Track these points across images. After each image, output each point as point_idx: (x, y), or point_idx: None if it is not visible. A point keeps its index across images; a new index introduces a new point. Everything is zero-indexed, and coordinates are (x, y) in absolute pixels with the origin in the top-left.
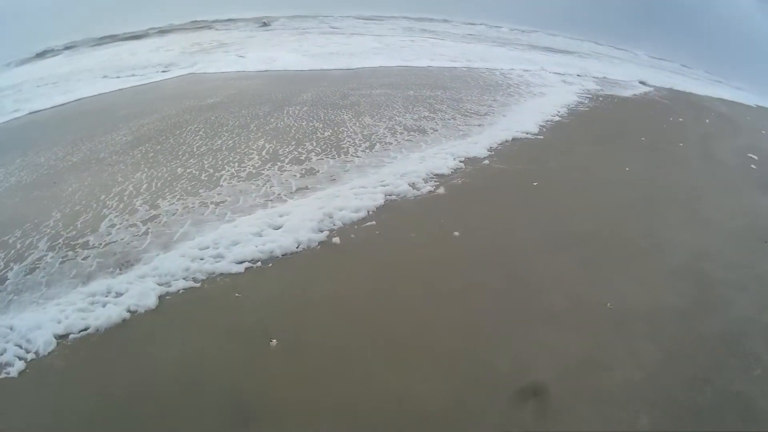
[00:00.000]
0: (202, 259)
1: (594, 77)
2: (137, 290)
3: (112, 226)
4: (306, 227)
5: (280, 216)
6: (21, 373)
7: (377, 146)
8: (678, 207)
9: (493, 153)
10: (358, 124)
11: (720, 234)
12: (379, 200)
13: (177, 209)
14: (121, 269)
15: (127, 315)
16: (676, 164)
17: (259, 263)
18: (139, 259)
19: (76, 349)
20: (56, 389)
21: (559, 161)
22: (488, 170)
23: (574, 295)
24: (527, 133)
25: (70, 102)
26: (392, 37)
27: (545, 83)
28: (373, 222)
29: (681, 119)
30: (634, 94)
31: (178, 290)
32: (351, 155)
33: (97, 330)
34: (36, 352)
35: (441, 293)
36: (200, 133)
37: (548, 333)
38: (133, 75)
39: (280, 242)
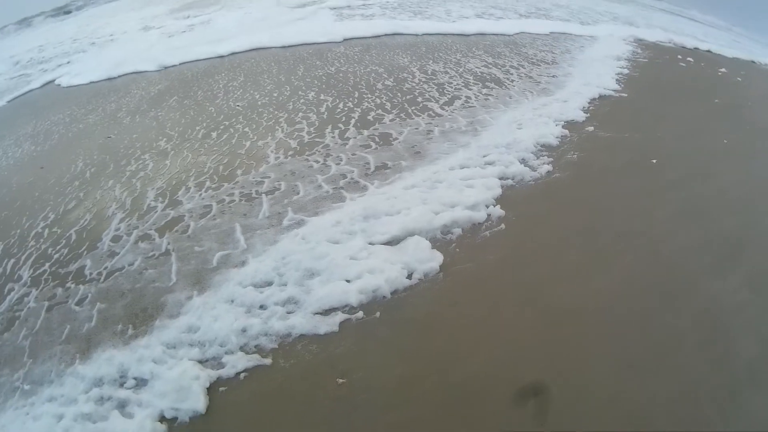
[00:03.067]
0: (263, 308)
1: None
2: (171, 377)
3: (116, 239)
4: (415, 243)
5: (366, 218)
6: None
7: (456, 102)
8: None
9: (590, 116)
10: (422, 71)
11: None
12: (496, 188)
13: (205, 206)
14: (135, 328)
15: (160, 429)
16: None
17: (359, 312)
18: (159, 308)
19: None
20: None
21: (661, 129)
22: (596, 140)
23: None
24: (611, 90)
25: None
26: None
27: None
28: (502, 226)
29: (737, 78)
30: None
31: (237, 374)
32: (430, 115)
33: None
34: None
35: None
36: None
37: None
38: None
39: (383, 269)
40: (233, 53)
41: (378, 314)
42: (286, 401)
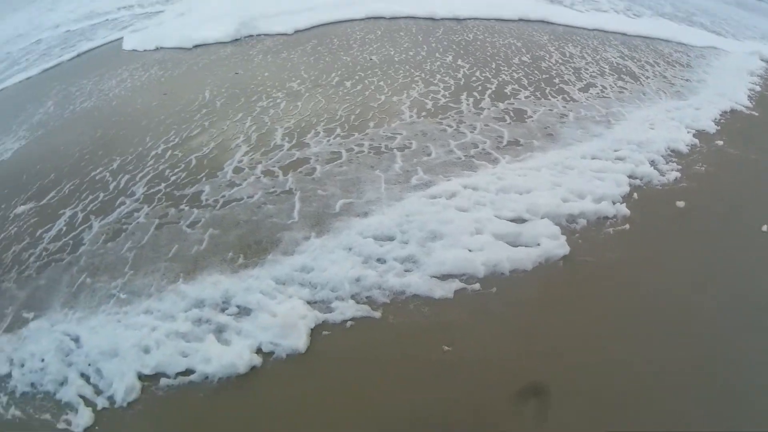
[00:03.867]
0: (381, 262)
1: None
2: (277, 311)
3: (238, 170)
4: (544, 226)
5: (495, 191)
6: (87, 430)
7: (592, 90)
8: None
9: (720, 129)
10: (560, 52)
11: None
12: (624, 186)
13: (333, 152)
14: (246, 258)
15: (256, 360)
16: None
17: (476, 284)
18: (274, 243)
19: (170, 404)
20: None
21: None
22: (725, 156)
23: None
24: (742, 106)
25: None
26: None
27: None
28: (626, 226)
29: None
30: None
31: (343, 321)
32: (565, 98)
33: (206, 378)
34: (110, 398)
35: None
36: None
37: None
38: None
39: (507, 247)
40: (370, 17)
41: (494, 289)
42: (387, 357)
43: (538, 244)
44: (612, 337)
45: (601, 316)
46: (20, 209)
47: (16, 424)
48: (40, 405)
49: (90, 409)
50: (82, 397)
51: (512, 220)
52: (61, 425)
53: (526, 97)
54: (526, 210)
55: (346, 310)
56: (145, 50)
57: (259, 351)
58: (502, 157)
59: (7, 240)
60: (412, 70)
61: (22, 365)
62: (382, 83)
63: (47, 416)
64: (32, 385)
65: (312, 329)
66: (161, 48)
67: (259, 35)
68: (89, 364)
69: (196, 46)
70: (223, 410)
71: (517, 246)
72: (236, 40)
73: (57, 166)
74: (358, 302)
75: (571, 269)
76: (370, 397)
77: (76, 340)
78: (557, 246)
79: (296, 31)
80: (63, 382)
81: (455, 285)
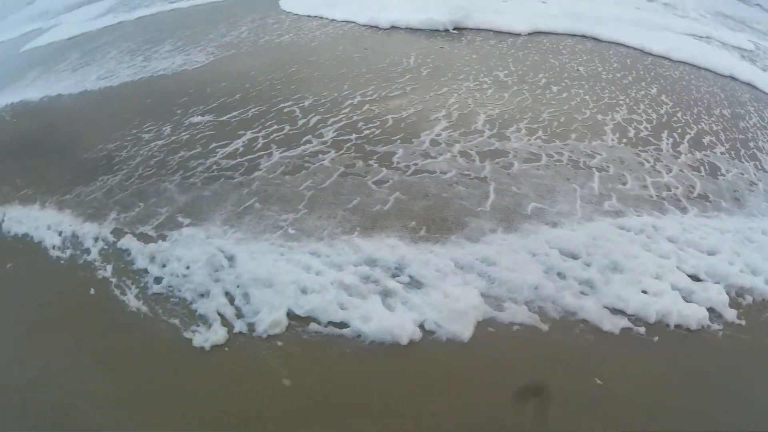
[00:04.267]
0: (561, 277)
1: None
2: (450, 294)
3: (435, 143)
4: (717, 292)
5: (679, 241)
6: (214, 347)
7: None
8: None
9: None
10: (759, 116)
11: None
12: None
13: (533, 153)
14: (428, 232)
15: (416, 335)
16: None
17: (642, 328)
18: (460, 225)
19: (312, 350)
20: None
21: None
22: None
23: None
24: None
25: None
26: None
27: None
28: None
29: None
30: None
31: (511, 323)
32: (757, 165)
33: (359, 336)
34: (250, 325)
35: None
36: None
37: None
38: None
39: (680, 301)
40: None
41: (656, 338)
42: (539, 372)
43: (708, 308)
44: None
45: (743, 391)
46: (197, 119)
47: (140, 319)
48: (172, 309)
49: (225, 329)
50: (220, 314)
51: (690, 276)
52: (187, 334)
53: (721, 153)
54: (704, 271)
55: (516, 314)
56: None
57: (421, 326)
58: (690, 207)
59: (176, 144)
60: (618, 93)
61: (164, 266)
62: (587, 97)
63: (176, 321)
64: (169, 287)
65: (479, 322)
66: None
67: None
68: (238, 286)
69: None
70: (366, 371)
71: (689, 302)
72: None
73: (244, 88)
74: (530, 310)
75: (728, 341)
76: (509, 406)
77: (231, 258)
78: (723, 315)
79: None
80: (204, 295)
81: (623, 323)
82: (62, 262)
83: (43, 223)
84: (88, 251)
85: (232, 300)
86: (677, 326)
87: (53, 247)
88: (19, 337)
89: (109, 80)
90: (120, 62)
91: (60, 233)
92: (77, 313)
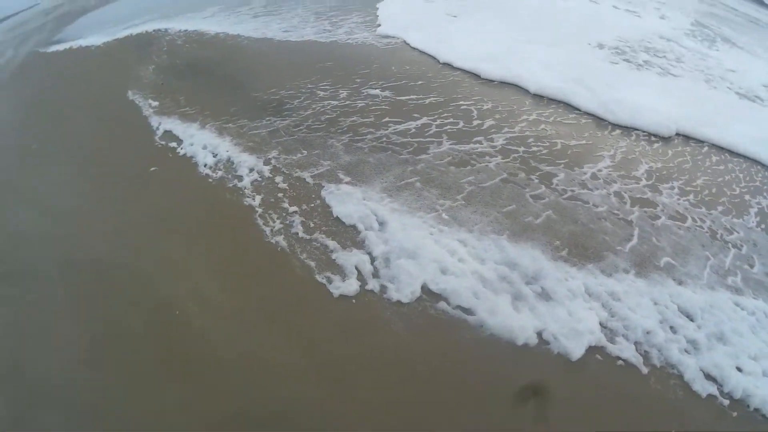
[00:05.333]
0: (674, 332)
1: None
2: (575, 314)
3: (595, 177)
4: None
5: None
6: (342, 296)
7: None
8: None
9: None
10: None
11: None
12: None
13: (679, 213)
14: (569, 254)
15: (533, 340)
16: None
17: (727, 400)
18: (598, 257)
19: (430, 325)
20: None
21: None
22: None
23: None
24: None
25: None
26: None
27: None
28: None
29: None
30: None
31: (617, 356)
32: None
33: (481, 326)
34: (383, 287)
35: None
36: None
37: None
38: None
39: None
40: None
41: (735, 414)
42: (624, 411)
43: None
44: None
45: None
46: (375, 91)
47: (276, 251)
48: (311, 252)
49: (359, 283)
50: (358, 269)
51: None
52: (320, 278)
53: None
54: None
55: (624, 350)
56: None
57: (539, 334)
58: None
59: (350, 108)
60: None
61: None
62: (741, 175)
63: (311, 263)
64: (309, 230)
65: (590, 346)
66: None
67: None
68: (383, 249)
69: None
70: (479, 359)
71: None
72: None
73: (427, 77)
74: (637, 350)
75: None
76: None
77: (382, 224)
78: None
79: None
80: (346, 248)
81: (712, 389)
82: (210, 180)
83: (200, 140)
84: (240, 178)
85: (373, 260)
86: (756, 410)
87: (204, 165)
88: (145, 233)
89: (292, 34)
90: (305, 21)
91: (215, 155)
92: (212, 227)
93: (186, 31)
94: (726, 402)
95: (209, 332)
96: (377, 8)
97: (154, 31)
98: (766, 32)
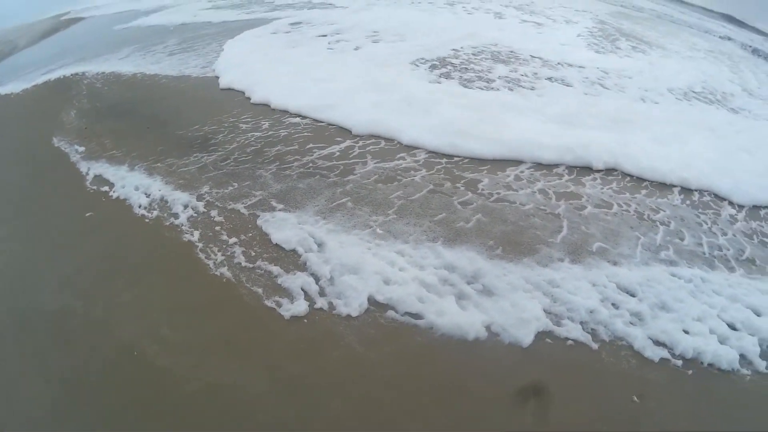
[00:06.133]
0: (615, 307)
1: None
2: (519, 305)
3: (518, 179)
4: (751, 342)
5: (729, 298)
6: (293, 318)
7: None
8: None
9: None
10: None
11: None
12: None
13: (605, 201)
14: (503, 251)
15: (482, 334)
16: None
17: (679, 361)
18: (531, 251)
19: (389, 334)
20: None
21: None
22: None
23: None
24: None
25: None
26: None
27: None
28: None
29: None
30: None
31: (566, 338)
32: None
33: (431, 328)
34: (330, 303)
35: None
36: None
37: None
38: None
39: (716, 343)
40: None
41: (690, 372)
42: (583, 385)
43: (740, 354)
44: None
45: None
46: (296, 119)
47: (221, 282)
48: (257, 279)
49: (308, 303)
50: (304, 290)
51: (728, 324)
52: (269, 303)
53: None
54: (741, 321)
55: (572, 331)
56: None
57: (488, 328)
58: (738, 268)
59: (274, 138)
60: None
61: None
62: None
63: (258, 289)
64: (251, 258)
65: (539, 332)
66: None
67: None
68: (324, 269)
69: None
70: (434, 359)
71: (723, 344)
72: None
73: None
74: (584, 329)
75: (755, 386)
76: (560, 408)
77: (321, 245)
78: (753, 362)
79: None
80: (289, 271)
81: (663, 353)
82: (147, 220)
83: (131, 182)
84: (176, 215)
85: (317, 279)
86: (710, 365)
87: (139, 206)
88: (90, 279)
89: (208, 69)
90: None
91: (148, 195)
92: (155, 266)
93: (104, 73)
94: (679, 363)
95: (171, 369)
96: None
97: (72, 75)
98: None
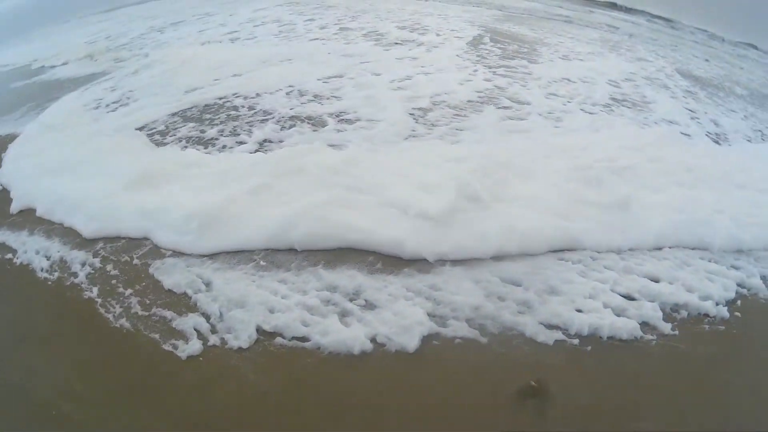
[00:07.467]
0: (501, 299)
1: None
2: (400, 312)
3: None
4: (652, 309)
5: (621, 272)
6: (190, 357)
7: None
8: None
9: None
10: None
11: None
12: (731, 291)
13: None
14: (383, 267)
15: (368, 346)
16: None
17: (576, 340)
18: (414, 262)
19: (278, 360)
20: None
21: None
22: None
23: None
24: None
25: None
26: None
27: None
28: (722, 327)
29: None
30: None
31: (453, 337)
32: None
33: (318, 348)
34: (222, 339)
35: None
36: None
37: None
38: None
39: (612, 316)
40: None
41: (589, 348)
42: (480, 377)
43: (641, 322)
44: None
45: (673, 393)
46: None
47: (122, 333)
48: (153, 325)
49: (201, 342)
50: (197, 330)
51: (624, 296)
52: (167, 347)
53: None
54: (638, 291)
55: (458, 330)
56: None
57: (373, 340)
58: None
59: None
60: None
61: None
62: None
63: (156, 336)
64: (146, 306)
65: (424, 336)
66: None
67: None
68: (213, 306)
69: None
70: (324, 377)
71: (621, 316)
72: None
73: None
74: (470, 326)
75: (661, 349)
76: (455, 405)
77: (208, 284)
78: (657, 327)
79: None
80: (182, 314)
81: (557, 335)
82: (50, 283)
83: (32, 247)
84: (75, 274)
85: (208, 318)
86: (610, 337)
87: (41, 269)
88: (4, 348)
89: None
90: None
91: (48, 257)
92: (62, 327)
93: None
94: (576, 341)
95: (87, 422)
96: None
97: None
98: None
